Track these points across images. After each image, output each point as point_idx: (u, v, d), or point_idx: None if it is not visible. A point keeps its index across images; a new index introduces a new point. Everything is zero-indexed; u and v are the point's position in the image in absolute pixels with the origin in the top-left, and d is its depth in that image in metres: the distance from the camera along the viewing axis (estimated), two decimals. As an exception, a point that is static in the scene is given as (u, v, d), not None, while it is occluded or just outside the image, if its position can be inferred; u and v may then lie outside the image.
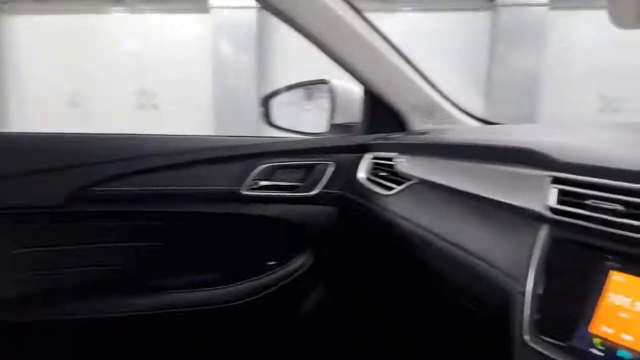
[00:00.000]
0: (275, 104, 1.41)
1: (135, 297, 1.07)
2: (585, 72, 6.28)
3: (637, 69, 5.97)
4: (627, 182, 0.60)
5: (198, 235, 1.12)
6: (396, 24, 6.24)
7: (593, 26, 6.13)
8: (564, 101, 6.32)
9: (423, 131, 1.19)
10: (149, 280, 1.09)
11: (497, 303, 0.69)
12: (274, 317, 1.15)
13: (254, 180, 1.10)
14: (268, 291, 1.11)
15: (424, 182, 0.96)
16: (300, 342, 1.20)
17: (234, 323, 1.12)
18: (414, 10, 6.43)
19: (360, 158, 1.18)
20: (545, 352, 0.60)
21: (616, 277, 0.59)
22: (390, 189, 1.03)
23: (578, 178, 0.66)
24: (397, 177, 1.05)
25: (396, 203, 1.00)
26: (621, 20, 0.48)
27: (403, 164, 1.04)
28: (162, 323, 1.08)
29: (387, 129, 1.24)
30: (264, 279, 1.12)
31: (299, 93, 1.42)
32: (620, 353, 0.55)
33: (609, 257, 0.60)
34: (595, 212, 0.62)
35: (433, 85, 1.24)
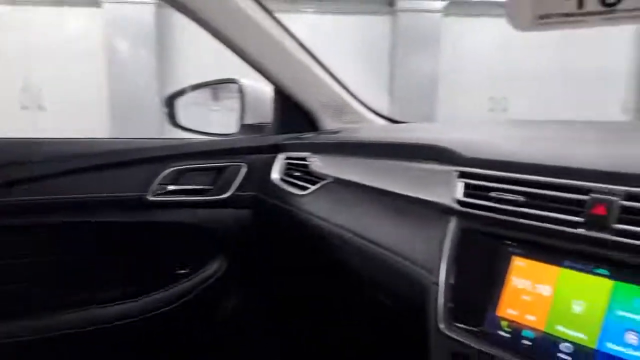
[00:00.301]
0: (181, 104, 1.34)
1: (42, 318, 0.95)
2: (476, 75, 6.85)
3: (520, 71, 6.64)
4: (526, 174, 0.65)
5: (104, 246, 1.02)
6: (297, 26, 6.29)
7: (483, 32, 6.71)
8: (459, 102, 6.84)
9: (335, 130, 1.20)
10: (56, 298, 0.97)
11: (413, 296, 0.71)
12: (192, 325, 1.09)
13: (160, 184, 1.03)
14: (184, 299, 1.04)
15: (338, 181, 0.97)
16: (221, 348, 1.15)
17: (153, 334, 1.04)
18: (315, 12, 6.54)
19: (273, 159, 1.16)
20: (459, 338, 0.63)
21: (518, 263, 0.63)
22: (305, 189, 1.03)
23: (482, 172, 0.70)
24: (311, 177, 1.04)
25: (311, 203, 1.00)
26: (518, 21, 0.51)
27: (317, 163, 1.03)
28: (74, 342, 0.97)
29: (299, 128, 1.23)
30: (179, 287, 1.06)
31: (205, 93, 1.36)
32: (525, 333, 0.59)
33: (511, 244, 0.64)
34: (498, 203, 0.66)
35: (342, 85, 1.26)
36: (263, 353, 1.18)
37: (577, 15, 0.49)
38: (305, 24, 6.38)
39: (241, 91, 1.28)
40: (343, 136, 1.07)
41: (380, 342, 0.92)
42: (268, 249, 1.15)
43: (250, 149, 1.15)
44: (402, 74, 6.54)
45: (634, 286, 0.54)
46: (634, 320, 0.53)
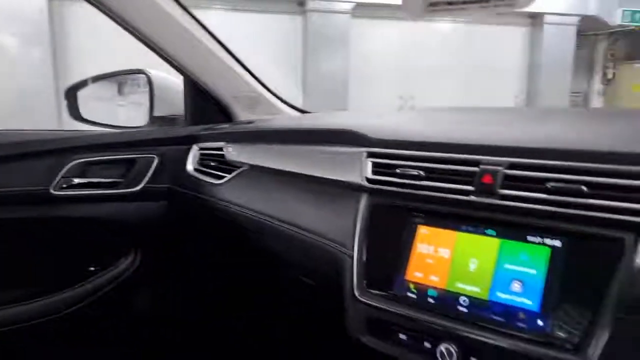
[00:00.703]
0: (83, 96, 1.27)
1: None
2: (386, 73, 7.19)
3: (425, 70, 7.08)
4: (426, 151, 0.72)
5: (6, 243, 0.94)
6: (209, 22, 6.16)
7: (390, 33, 7.05)
8: (370, 99, 7.13)
9: (249, 121, 1.20)
10: None
11: (331, 271, 0.75)
12: (106, 323, 1.04)
13: (64, 178, 0.97)
14: (92, 298, 0.99)
15: (254, 168, 0.98)
16: (136, 346, 1.10)
17: (60, 336, 0.97)
18: (227, 9, 6.45)
19: (187, 150, 1.14)
20: (372, 303, 0.68)
21: (422, 231, 0.70)
22: (221, 178, 1.03)
23: (388, 151, 0.76)
24: (227, 166, 1.04)
25: (228, 191, 1.00)
26: (411, 11, 0.56)
27: (232, 152, 1.04)
28: None
29: (212, 120, 1.22)
30: (88, 286, 1.00)
31: (110, 87, 1.30)
32: (430, 292, 0.66)
33: (416, 214, 0.71)
34: (403, 178, 0.72)
35: (255, 78, 1.27)
36: (184, 346, 1.16)
37: (460, 3, 0.56)
38: (217, 21, 6.25)
39: (150, 82, 1.24)
40: (257, 125, 1.09)
41: (305, 321, 0.95)
42: (184, 241, 1.13)
43: (162, 140, 1.12)
44: (314, 71, 6.68)
45: (518, 242, 0.62)
46: (518, 271, 0.61)
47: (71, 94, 1.25)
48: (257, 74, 1.28)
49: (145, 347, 1.10)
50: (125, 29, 1.03)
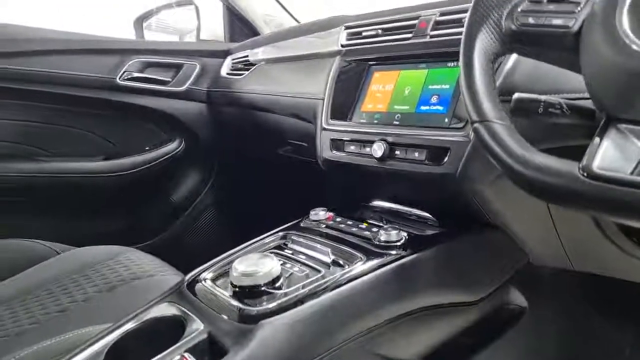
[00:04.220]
0: (147, 24, 1.58)
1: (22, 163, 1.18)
2: None
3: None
4: (382, 17, 0.91)
5: (80, 117, 1.26)
6: None
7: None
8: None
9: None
10: (40, 153, 1.21)
11: (311, 114, 0.97)
12: (149, 189, 1.33)
13: (127, 71, 1.26)
14: (145, 167, 1.28)
15: (267, 62, 1.22)
16: (175, 218, 1.40)
17: (115, 191, 1.28)
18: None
19: (222, 61, 1.40)
20: (334, 128, 0.88)
21: (376, 74, 0.89)
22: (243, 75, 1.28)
23: (358, 22, 0.96)
24: (250, 66, 1.29)
25: (247, 82, 1.24)
26: None
27: (254, 54, 1.28)
28: (55, 186, 1.20)
29: (246, 38, 1.47)
30: (144, 156, 1.29)
31: (168, 15, 1.60)
32: (376, 115, 0.85)
33: (372, 62, 0.90)
34: (365, 38, 0.91)
35: (282, 6, 1.51)
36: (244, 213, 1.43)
37: None
38: None
39: (197, 11, 1.53)
40: (272, 32, 1.33)
41: (294, 163, 1.18)
42: (219, 132, 1.39)
43: (203, 52, 1.39)
44: None
45: (440, 69, 0.79)
46: (437, 89, 0.78)
47: (138, 23, 1.57)
48: (284, 4, 1.52)
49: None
50: None
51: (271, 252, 0.71)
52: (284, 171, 1.29)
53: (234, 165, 1.45)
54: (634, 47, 0.39)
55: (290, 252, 0.73)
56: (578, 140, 0.56)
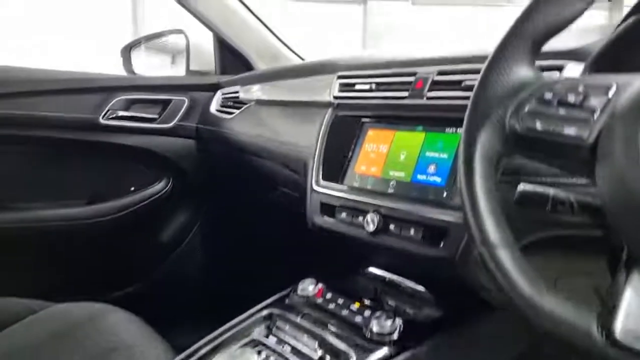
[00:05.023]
0: (135, 53, 1.52)
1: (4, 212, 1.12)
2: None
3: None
4: (376, 69, 0.85)
5: (60, 161, 1.20)
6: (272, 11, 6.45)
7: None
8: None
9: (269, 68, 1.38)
10: (17, 201, 1.15)
11: (301, 171, 0.91)
12: (134, 233, 1.27)
13: (111, 110, 1.20)
14: (130, 210, 1.22)
15: (257, 103, 1.16)
16: (163, 260, 1.34)
17: (98, 237, 1.22)
18: None
19: (213, 96, 1.34)
20: (325, 192, 0.83)
21: (370, 132, 0.83)
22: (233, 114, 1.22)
23: (350, 72, 0.90)
24: (241, 104, 1.23)
25: (238, 123, 1.19)
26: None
27: (244, 92, 1.22)
28: (33, 236, 1.15)
29: (238, 72, 1.41)
30: (129, 199, 1.24)
31: (156, 43, 1.54)
32: (369, 180, 0.79)
33: (366, 120, 0.84)
34: (359, 92, 0.86)
35: (276, 36, 1.45)
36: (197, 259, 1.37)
37: None
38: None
39: (187, 41, 1.46)
40: (264, 70, 1.27)
41: (281, 219, 1.12)
42: (209, 173, 1.33)
43: (192, 86, 1.34)
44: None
45: (438, 134, 0.74)
46: (435, 157, 0.73)
47: (126, 52, 1.51)
48: (277, 31, 1.46)
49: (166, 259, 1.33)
50: None
51: (254, 341, 0.66)
52: (275, 219, 1.23)
53: (224, 208, 1.39)
54: None
55: (275, 340, 0.67)
56: (583, 234, 0.51)
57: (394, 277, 0.81)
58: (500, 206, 0.45)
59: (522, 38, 0.47)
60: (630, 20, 0.58)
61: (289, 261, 0.82)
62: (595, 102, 0.41)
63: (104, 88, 1.21)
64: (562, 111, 0.43)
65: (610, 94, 0.40)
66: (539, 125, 0.43)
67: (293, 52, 1.42)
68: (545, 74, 0.47)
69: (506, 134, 0.46)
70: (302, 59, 1.43)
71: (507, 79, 0.47)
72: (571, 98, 0.42)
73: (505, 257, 0.41)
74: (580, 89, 0.42)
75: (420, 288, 0.77)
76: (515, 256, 0.41)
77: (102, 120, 1.20)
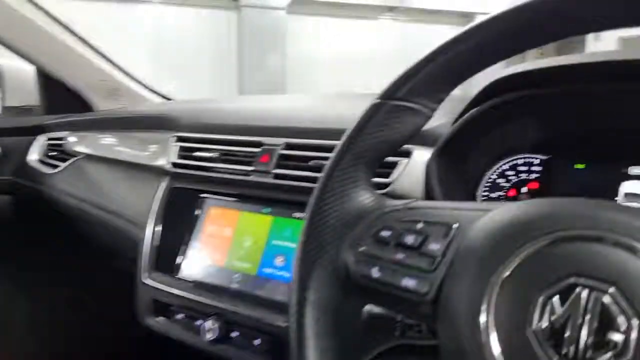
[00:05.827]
0: None
1: None
2: (321, 68, 7.19)
3: (358, 61, 7.11)
4: (222, 134, 0.73)
5: None
6: (143, 17, 5.99)
7: (325, 29, 7.09)
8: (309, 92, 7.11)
9: (105, 110, 1.18)
10: None
11: (132, 253, 0.75)
12: None
13: None
14: None
15: (88, 157, 0.97)
16: None
17: None
18: (160, 3, 6.26)
19: (33, 139, 1.11)
20: (157, 286, 0.68)
21: (212, 212, 0.71)
22: (58, 167, 1.01)
23: (192, 135, 0.76)
24: (68, 156, 1.02)
25: (63, 180, 0.98)
26: None
27: (71, 141, 1.02)
28: None
29: (71, 110, 1.19)
30: None
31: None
32: (210, 271, 0.67)
33: (207, 196, 0.72)
34: (199, 161, 0.73)
35: (117, 67, 1.25)
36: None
37: None
38: (151, 15, 6.08)
39: (1, 76, 1.20)
40: (97, 114, 1.07)
41: (109, 301, 0.95)
42: (28, 236, 1.10)
43: (5, 130, 1.09)
44: (250, 64, 6.58)
45: (286, 219, 0.64)
46: (283, 247, 0.63)
47: None
48: (117, 62, 1.26)
49: None
50: None
51: None
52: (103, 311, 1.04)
53: (43, 288, 1.14)
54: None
55: None
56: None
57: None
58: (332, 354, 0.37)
59: (355, 157, 0.39)
60: (473, 111, 0.55)
61: None
62: (435, 246, 0.35)
63: None
64: (400, 255, 0.36)
65: (451, 234, 0.34)
66: (375, 273, 0.36)
67: (146, 87, 1.23)
68: (387, 200, 0.40)
69: (342, 280, 0.38)
70: (169, 99, 1.25)
71: (341, 207, 0.39)
72: (409, 239, 0.36)
73: None
74: (419, 226, 0.36)
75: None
76: None
77: None
